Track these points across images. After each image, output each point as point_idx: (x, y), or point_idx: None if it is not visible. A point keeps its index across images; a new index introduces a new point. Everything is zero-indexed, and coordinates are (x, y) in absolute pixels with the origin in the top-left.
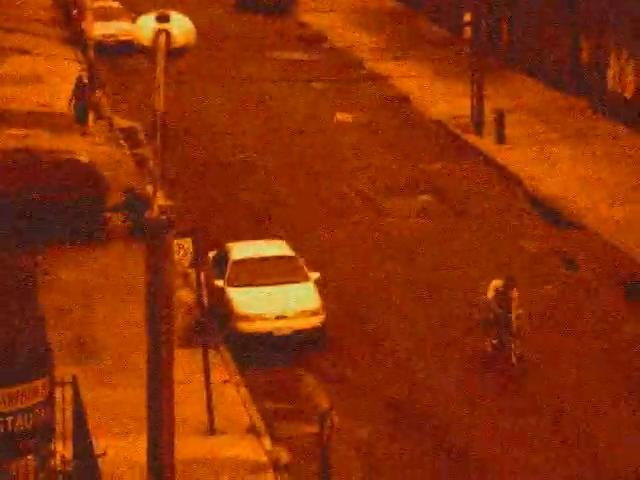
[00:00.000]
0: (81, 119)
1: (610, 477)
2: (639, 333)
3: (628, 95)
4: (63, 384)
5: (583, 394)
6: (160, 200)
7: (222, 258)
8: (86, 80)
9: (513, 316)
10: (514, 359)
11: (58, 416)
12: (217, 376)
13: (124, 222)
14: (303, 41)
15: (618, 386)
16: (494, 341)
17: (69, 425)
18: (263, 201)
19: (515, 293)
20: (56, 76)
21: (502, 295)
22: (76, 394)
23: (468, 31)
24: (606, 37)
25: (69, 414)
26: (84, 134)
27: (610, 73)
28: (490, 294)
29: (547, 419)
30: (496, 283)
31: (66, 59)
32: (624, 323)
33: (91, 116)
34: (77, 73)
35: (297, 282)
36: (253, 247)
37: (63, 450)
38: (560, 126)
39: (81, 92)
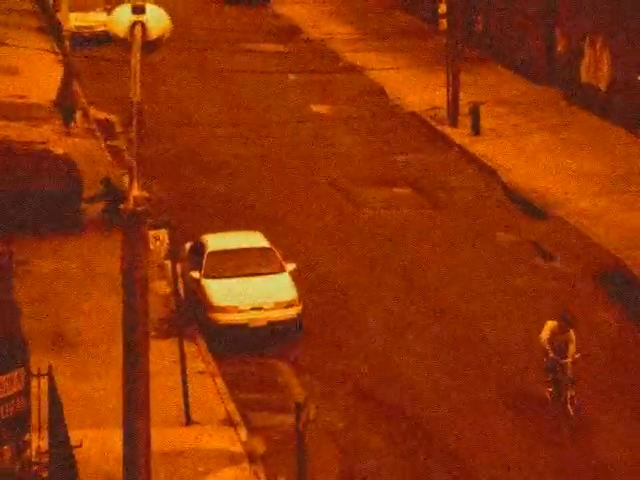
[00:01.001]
0: (67, 118)
1: None
2: (613, 323)
3: (602, 87)
4: (39, 375)
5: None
6: (136, 191)
7: (198, 249)
8: (72, 79)
9: (569, 361)
10: (571, 410)
11: (34, 407)
12: (193, 367)
13: (103, 212)
14: (279, 33)
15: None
16: (550, 389)
17: (45, 416)
18: (238, 192)
19: (572, 335)
20: (32, 67)
21: (557, 337)
22: (52, 385)
23: (444, 22)
24: (581, 29)
25: (45, 405)
26: (69, 134)
27: (584, 65)
28: (545, 336)
29: None
30: (551, 324)
31: (42, 50)
32: (599, 313)
33: (78, 115)
34: (62, 73)
35: (273, 273)
36: (229, 238)
37: (39, 441)
38: (535, 117)
39: (68, 92)
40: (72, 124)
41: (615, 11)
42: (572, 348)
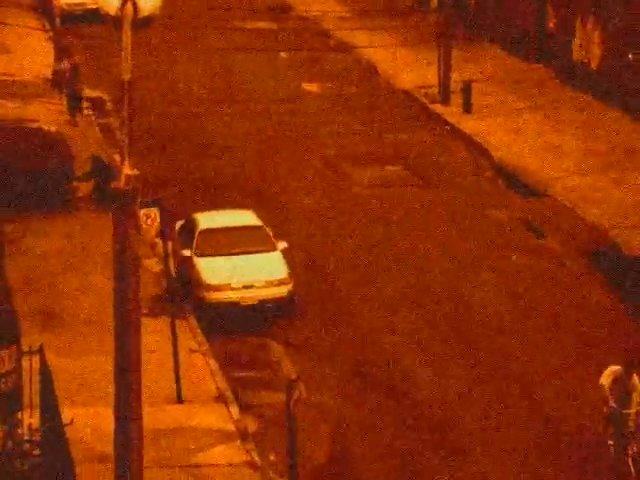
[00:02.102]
0: (73, 110)
1: None
2: (604, 302)
3: (594, 65)
4: (30, 353)
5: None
6: (127, 170)
7: (189, 228)
8: (76, 70)
9: (632, 412)
10: (632, 468)
11: (25, 385)
12: (185, 345)
13: (94, 191)
14: (270, 11)
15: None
16: (610, 442)
17: (36, 394)
18: (228, 170)
19: (636, 380)
20: (23, 45)
21: (619, 385)
22: (43, 363)
23: (435, 1)
24: (572, 6)
25: (36, 383)
26: (75, 125)
27: (576, 43)
28: (606, 382)
29: None
30: (614, 369)
31: (33, 28)
32: (590, 291)
33: (84, 104)
34: (67, 62)
35: (264, 251)
36: (220, 217)
37: (30, 419)
38: (527, 95)
39: (73, 82)
40: (78, 114)
41: None
42: (636, 397)
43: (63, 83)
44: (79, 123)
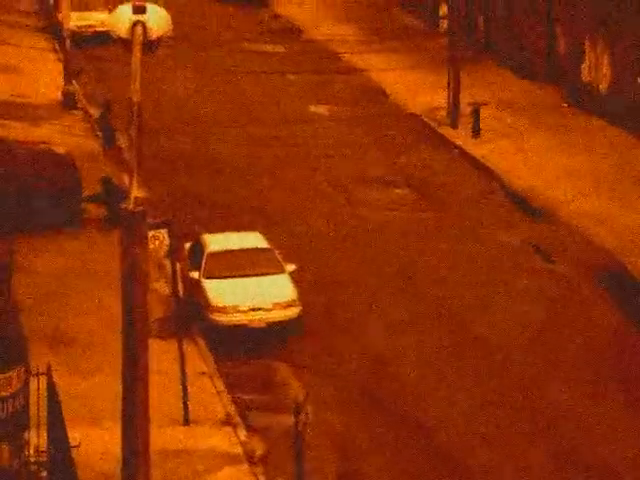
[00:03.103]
0: (109, 142)
1: None
2: (613, 325)
3: (603, 87)
4: (38, 373)
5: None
6: (136, 191)
7: (198, 249)
8: (108, 106)
9: None
10: None
11: (32, 406)
12: (192, 367)
13: (104, 212)
14: (279, 33)
15: (599, 380)
16: None
17: (44, 415)
18: (237, 192)
19: None
20: (33, 66)
21: None
22: (51, 384)
23: (444, 24)
24: (581, 29)
25: (44, 404)
26: (111, 157)
27: (585, 65)
28: None
29: None
30: None
31: (44, 50)
32: (599, 315)
33: (120, 138)
34: (102, 97)
35: (272, 274)
36: (229, 239)
37: (37, 440)
38: (536, 118)
39: (106, 116)
40: (112, 146)
41: (616, 12)
42: None
43: (96, 121)
44: (113, 155)
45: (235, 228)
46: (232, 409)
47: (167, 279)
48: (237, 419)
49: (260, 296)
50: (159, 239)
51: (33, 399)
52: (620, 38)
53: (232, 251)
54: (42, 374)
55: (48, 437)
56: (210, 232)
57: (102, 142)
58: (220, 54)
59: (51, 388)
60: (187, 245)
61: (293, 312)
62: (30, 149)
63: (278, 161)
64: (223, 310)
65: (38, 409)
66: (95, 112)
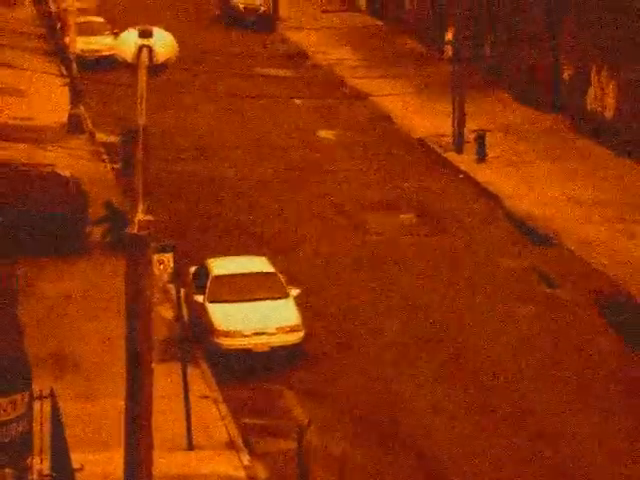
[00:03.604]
0: (127, 173)
1: None
2: (615, 352)
3: (608, 115)
4: (42, 397)
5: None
6: (140, 215)
7: (202, 273)
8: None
9: None
10: None
11: (36, 430)
12: (196, 391)
13: (108, 235)
14: (285, 58)
15: (593, 407)
16: None
17: (47, 439)
18: (243, 216)
19: None
20: (38, 90)
21: None
22: (54, 408)
23: (450, 49)
24: (587, 57)
25: (47, 428)
26: (125, 185)
27: (590, 93)
28: None
29: None
30: None
31: (50, 73)
32: (601, 341)
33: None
34: (122, 123)
35: (277, 298)
36: (234, 263)
37: (40, 465)
38: (540, 145)
39: (128, 144)
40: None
41: (621, 39)
42: None
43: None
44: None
45: (240, 252)
46: (235, 434)
47: (171, 303)
48: (240, 444)
49: (264, 320)
50: (164, 263)
51: (36, 423)
52: (625, 66)
53: (236, 275)
54: (45, 397)
55: (51, 461)
56: (215, 256)
57: (120, 169)
58: (227, 78)
59: (55, 412)
60: (192, 269)
61: (297, 337)
62: (36, 172)
63: (284, 186)
64: (227, 334)
65: (41, 433)
66: (114, 138)
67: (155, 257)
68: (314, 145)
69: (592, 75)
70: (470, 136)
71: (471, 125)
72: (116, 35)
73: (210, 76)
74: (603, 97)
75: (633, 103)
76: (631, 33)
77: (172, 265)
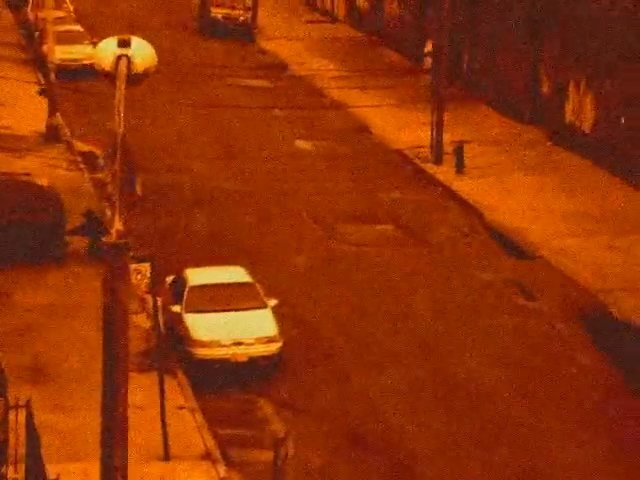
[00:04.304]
0: (128, 187)
1: None
2: (593, 365)
3: (586, 128)
4: (17, 407)
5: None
6: (118, 225)
7: (180, 283)
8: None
9: None
10: None
11: (11, 439)
12: (173, 401)
13: (86, 245)
14: (265, 68)
15: (573, 422)
16: None
17: (22, 449)
18: (220, 227)
19: None
20: (16, 99)
21: None
22: (30, 417)
23: (429, 61)
24: (565, 69)
25: (22, 437)
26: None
27: (569, 105)
28: None
29: None
30: None
31: (28, 82)
32: (579, 354)
33: (138, 184)
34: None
35: (254, 308)
36: (211, 273)
37: (15, 474)
38: (519, 157)
39: (126, 160)
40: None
41: (599, 53)
42: None
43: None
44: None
45: (217, 262)
46: (212, 444)
47: (149, 313)
48: (217, 454)
49: (242, 331)
50: (141, 273)
51: (12, 433)
52: (603, 79)
53: (214, 285)
54: (21, 407)
55: (26, 471)
56: (192, 266)
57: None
58: (206, 89)
59: (30, 421)
60: (169, 279)
61: (274, 347)
62: (13, 181)
63: (262, 196)
64: (204, 344)
65: (16, 443)
66: (93, 148)
67: (132, 267)
68: (292, 156)
69: (570, 88)
70: (449, 147)
71: (450, 136)
72: (95, 44)
73: (188, 86)
74: (581, 110)
75: (611, 116)
76: (608, 45)
77: (149, 275)
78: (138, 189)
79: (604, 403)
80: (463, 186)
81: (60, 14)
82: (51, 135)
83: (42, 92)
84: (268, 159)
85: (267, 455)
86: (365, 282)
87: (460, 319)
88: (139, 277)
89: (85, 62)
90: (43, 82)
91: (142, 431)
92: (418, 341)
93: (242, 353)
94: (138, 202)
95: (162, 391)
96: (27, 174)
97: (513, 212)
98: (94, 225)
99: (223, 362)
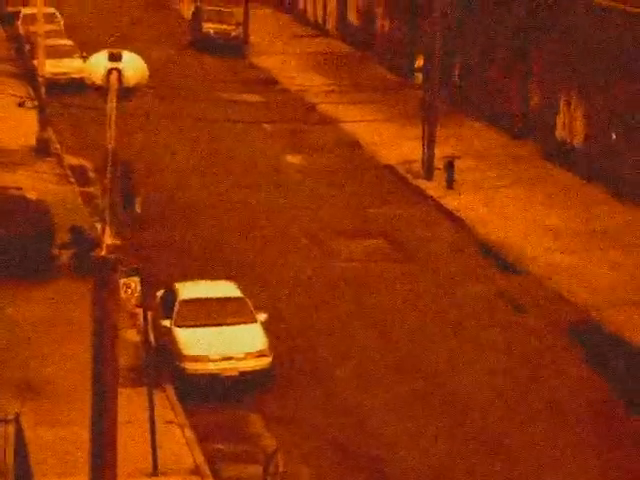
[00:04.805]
0: (128, 205)
1: None
2: (583, 379)
3: (577, 143)
4: (6, 422)
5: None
6: (108, 239)
7: (170, 298)
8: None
9: None
10: None
11: (0, 454)
12: (162, 416)
13: (75, 259)
14: (255, 83)
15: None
16: None
17: (10, 463)
18: (210, 241)
19: None
20: (7, 113)
21: None
22: (19, 432)
23: (419, 76)
24: (556, 85)
25: (10, 452)
26: (124, 222)
27: (559, 121)
28: None
29: None
30: None
31: (18, 96)
32: (569, 368)
33: (138, 203)
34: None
35: (244, 323)
36: (201, 287)
37: None
38: (509, 172)
39: (128, 178)
40: (133, 211)
41: (590, 68)
42: None
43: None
44: (126, 221)
45: (208, 277)
46: (201, 459)
47: (138, 327)
48: (206, 469)
49: (232, 345)
50: (131, 287)
51: (0, 448)
52: (593, 94)
53: (204, 300)
54: (9, 422)
55: None
56: (182, 281)
57: (120, 205)
58: (196, 103)
59: (19, 436)
60: (159, 293)
61: (264, 362)
62: (2, 194)
63: (253, 211)
64: (194, 359)
65: (5, 457)
66: (83, 162)
67: (122, 281)
68: (283, 170)
69: (561, 102)
70: (440, 162)
71: (441, 151)
72: (85, 58)
73: (179, 101)
74: (572, 125)
75: (601, 131)
76: (598, 61)
77: (139, 289)
78: (138, 208)
79: (593, 418)
80: (453, 201)
81: (50, 28)
82: (41, 149)
83: (22, 104)
84: (259, 173)
85: (257, 470)
86: (355, 297)
87: (450, 333)
88: (129, 291)
89: (75, 76)
90: (33, 96)
91: (131, 446)
92: (408, 355)
93: (232, 368)
94: (138, 220)
95: (151, 406)
96: (18, 188)
97: (503, 227)
98: (81, 240)
99: (213, 377)
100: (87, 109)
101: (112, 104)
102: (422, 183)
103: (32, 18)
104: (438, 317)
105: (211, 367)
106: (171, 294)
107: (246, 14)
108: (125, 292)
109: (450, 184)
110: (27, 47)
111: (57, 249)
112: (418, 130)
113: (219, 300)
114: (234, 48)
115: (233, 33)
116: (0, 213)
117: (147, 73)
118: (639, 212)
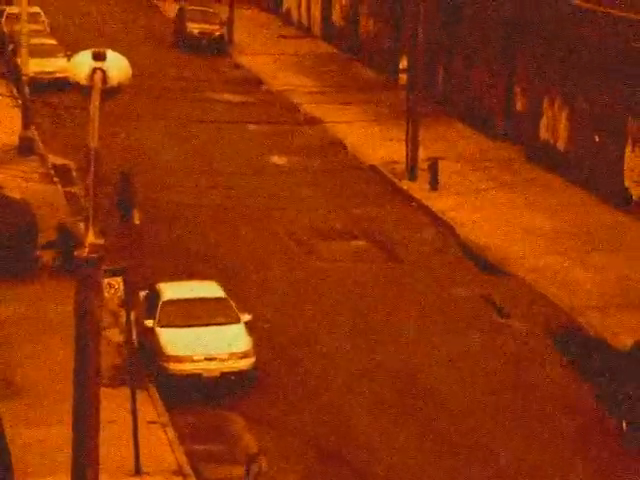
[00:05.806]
0: (127, 214)
1: None
2: (566, 383)
3: (560, 145)
4: None
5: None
6: (91, 238)
7: (153, 298)
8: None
9: None
10: None
11: None
12: (144, 416)
13: (58, 259)
14: (239, 83)
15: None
16: None
17: None
18: (194, 242)
19: None
20: None
21: None
22: (0, 432)
23: (404, 77)
24: (540, 87)
25: None
26: (122, 232)
27: (543, 123)
28: None
29: None
30: None
31: (1, 95)
32: (552, 371)
33: (136, 214)
34: (121, 169)
35: (228, 323)
36: (184, 288)
37: None
38: (494, 174)
39: (126, 186)
40: (131, 220)
41: (573, 70)
42: None
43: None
44: (124, 231)
45: (191, 277)
46: (184, 460)
47: (121, 327)
48: (188, 470)
49: (215, 346)
50: (114, 287)
51: None
52: (577, 97)
53: (187, 300)
54: None
55: None
56: (166, 281)
57: (119, 215)
58: (180, 103)
59: (0, 436)
60: (142, 293)
61: (248, 362)
62: None
63: (236, 212)
64: (177, 359)
65: None
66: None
67: (105, 281)
68: (267, 171)
69: (544, 105)
70: (424, 164)
71: (425, 153)
72: (69, 57)
73: (163, 101)
74: (555, 127)
75: (585, 134)
76: (582, 63)
77: (122, 289)
78: (136, 218)
79: (576, 420)
80: (437, 203)
81: (34, 27)
82: (25, 148)
83: None
84: (243, 174)
85: (239, 471)
86: (339, 298)
87: (433, 335)
88: (112, 291)
89: (60, 75)
90: (17, 94)
91: (113, 446)
92: (390, 357)
93: (215, 368)
94: (136, 231)
95: (134, 406)
96: (0, 187)
97: (487, 229)
98: (66, 239)
99: (196, 377)
100: (70, 108)
101: (95, 104)
102: (406, 184)
103: (16, 17)
104: (421, 319)
105: (193, 367)
106: (154, 294)
107: (231, 14)
108: (108, 292)
109: (434, 185)
110: (11, 46)
111: (39, 249)
112: (402, 131)
113: (202, 300)
114: (218, 48)
115: (217, 33)
116: None
117: (131, 73)
118: (623, 215)
